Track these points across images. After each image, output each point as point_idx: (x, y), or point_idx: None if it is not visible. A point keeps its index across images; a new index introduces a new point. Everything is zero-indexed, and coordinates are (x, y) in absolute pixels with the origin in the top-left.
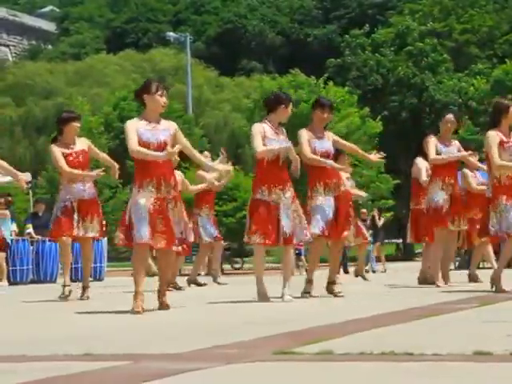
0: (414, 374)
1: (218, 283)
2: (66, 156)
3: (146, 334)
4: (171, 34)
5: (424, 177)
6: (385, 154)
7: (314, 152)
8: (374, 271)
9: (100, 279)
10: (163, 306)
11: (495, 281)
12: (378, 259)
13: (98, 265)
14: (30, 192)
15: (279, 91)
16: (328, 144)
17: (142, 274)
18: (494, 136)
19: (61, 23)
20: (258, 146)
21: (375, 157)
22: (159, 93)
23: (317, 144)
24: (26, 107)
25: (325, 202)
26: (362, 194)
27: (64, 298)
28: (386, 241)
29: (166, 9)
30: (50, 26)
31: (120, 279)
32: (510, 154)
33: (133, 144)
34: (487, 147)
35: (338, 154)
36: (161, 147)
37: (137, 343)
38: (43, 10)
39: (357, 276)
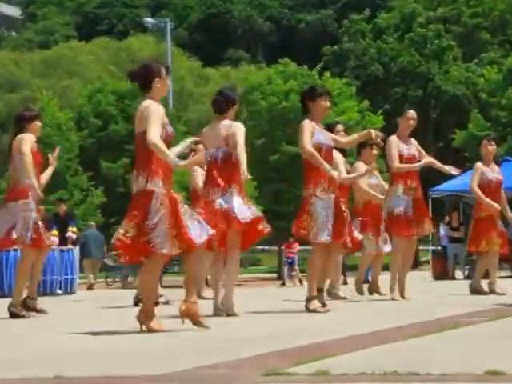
0: None
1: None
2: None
3: (124, 353)
4: (149, 19)
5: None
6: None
7: (320, 147)
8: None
9: (71, 292)
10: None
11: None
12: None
13: (70, 276)
14: None
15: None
16: (330, 139)
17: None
18: None
19: (26, 8)
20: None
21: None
22: (164, 74)
23: (321, 138)
24: None
25: (328, 203)
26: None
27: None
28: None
29: None
30: (14, 11)
31: (93, 292)
32: None
33: (156, 135)
34: None
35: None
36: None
37: (113, 364)
38: None
39: (371, 293)
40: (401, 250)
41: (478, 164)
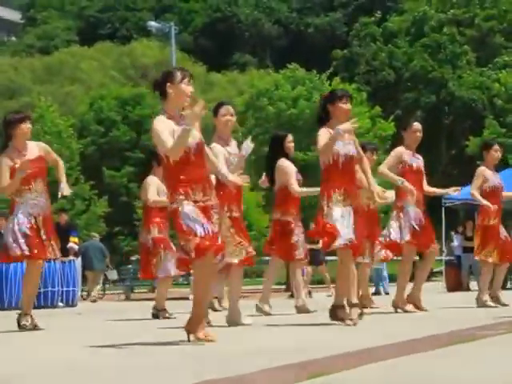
0: None
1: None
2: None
3: (123, 368)
4: (153, 23)
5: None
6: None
7: (338, 155)
8: (386, 293)
9: (73, 305)
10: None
11: None
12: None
13: (71, 288)
14: None
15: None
16: (352, 147)
17: None
18: None
19: (27, 12)
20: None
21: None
22: (185, 81)
23: (339, 146)
24: None
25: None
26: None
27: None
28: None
29: None
30: (14, 15)
31: (95, 305)
32: None
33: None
34: None
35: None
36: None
37: (113, 380)
38: None
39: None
40: (409, 258)
41: (481, 169)
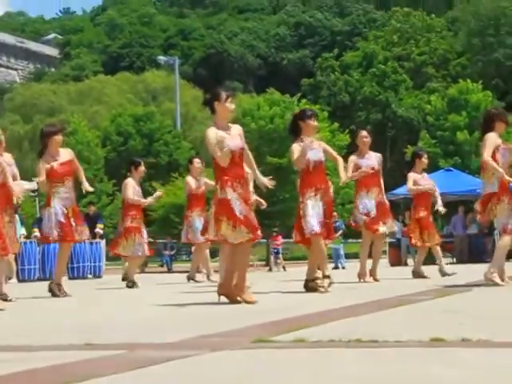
0: (377, 359)
1: (211, 280)
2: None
3: (141, 325)
4: (162, 57)
5: None
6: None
7: (309, 162)
8: (343, 267)
9: (99, 276)
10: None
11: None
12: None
13: (98, 264)
14: (37, 199)
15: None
16: (321, 154)
17: None
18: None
19: (63, 49)
20: None
21: (344, 180)
22: (229, 100)
23: (311, 154)
24: (32, 124)
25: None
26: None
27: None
28: (355, 240)
29: (156, 35)
30: (53, 52)
31: (117, 277)
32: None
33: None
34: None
35: None
36: (240, 152)
37: (133, 334)
38: (47, 37)
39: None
40: (368, 241)
41: (411, 174)
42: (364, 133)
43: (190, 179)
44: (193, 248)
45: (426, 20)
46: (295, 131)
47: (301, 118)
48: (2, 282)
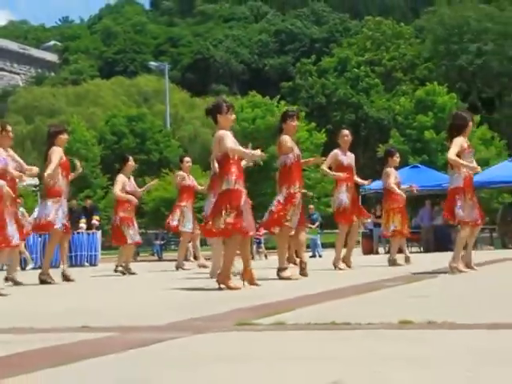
0: (350, 340)
1: (204, 266)
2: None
3: (133, 309)
4: (153, 63)
5: None
6: (324, 158)
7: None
8: (320, 256)
9: (95, 265)
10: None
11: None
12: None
13: (94, 253)
14: (38, 194)
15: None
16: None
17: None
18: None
19: (62, 54)
20: None
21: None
22: (230, 111)
23: (296, 150)
24: (34, 124)
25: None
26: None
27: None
28: (330, 231)
29: (148, 42)
30: (53, 57)
31: (112, 265)
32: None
33: (230, 144)
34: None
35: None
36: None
37: (125, 318)
38: (47, 43)
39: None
40: (344, 231)
41: (387, 170)
42: (346, 132)
43: (181, 174)
44: (181, 238)
45: (395, 28)
46: (281, 129)
47: (283, 119)
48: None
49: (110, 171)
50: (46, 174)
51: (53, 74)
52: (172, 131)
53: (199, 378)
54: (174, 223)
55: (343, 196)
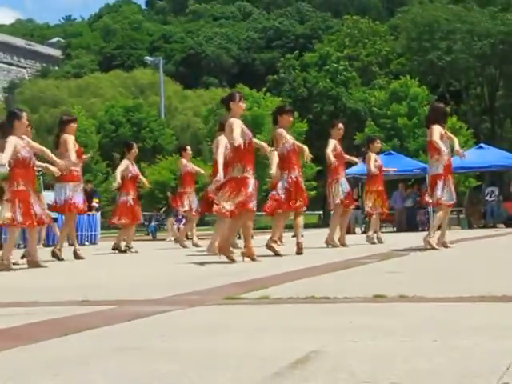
0: (329, 312)
1: (197, 245)
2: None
3: (130, 284)
4: (148, 58)
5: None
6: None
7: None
8: (302, 235)
9: (95, 243)
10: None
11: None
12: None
13: (94, 233)
14: (41, 178)
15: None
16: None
17: None
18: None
19: (65, 50)
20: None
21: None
22: (241, 100)
23: (290, 139)
24: (38, 114)
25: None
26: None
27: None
28: (310, 212)
29: (144, 39)
30: (56, 53)
31: (111, 244)
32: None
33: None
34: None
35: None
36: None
37: (123, 292)
38: (51, 40)
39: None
40: (338, 214)
41: (370, 154)
42: (341, 125)
43: (184, 161)
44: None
45: (371, 26)
46: (276, 122)
47: (279, 112)
48: (35, 249)
49: (108, 158)
50: (68, 161)
51: (56, 67)
52: (166, 121)
53: (182, 347)
54: (186, 208)
55: (346, 182)
